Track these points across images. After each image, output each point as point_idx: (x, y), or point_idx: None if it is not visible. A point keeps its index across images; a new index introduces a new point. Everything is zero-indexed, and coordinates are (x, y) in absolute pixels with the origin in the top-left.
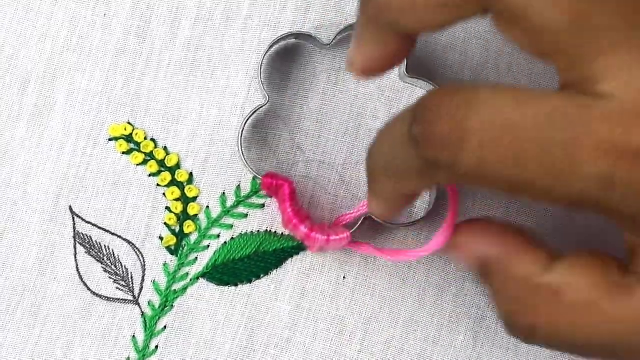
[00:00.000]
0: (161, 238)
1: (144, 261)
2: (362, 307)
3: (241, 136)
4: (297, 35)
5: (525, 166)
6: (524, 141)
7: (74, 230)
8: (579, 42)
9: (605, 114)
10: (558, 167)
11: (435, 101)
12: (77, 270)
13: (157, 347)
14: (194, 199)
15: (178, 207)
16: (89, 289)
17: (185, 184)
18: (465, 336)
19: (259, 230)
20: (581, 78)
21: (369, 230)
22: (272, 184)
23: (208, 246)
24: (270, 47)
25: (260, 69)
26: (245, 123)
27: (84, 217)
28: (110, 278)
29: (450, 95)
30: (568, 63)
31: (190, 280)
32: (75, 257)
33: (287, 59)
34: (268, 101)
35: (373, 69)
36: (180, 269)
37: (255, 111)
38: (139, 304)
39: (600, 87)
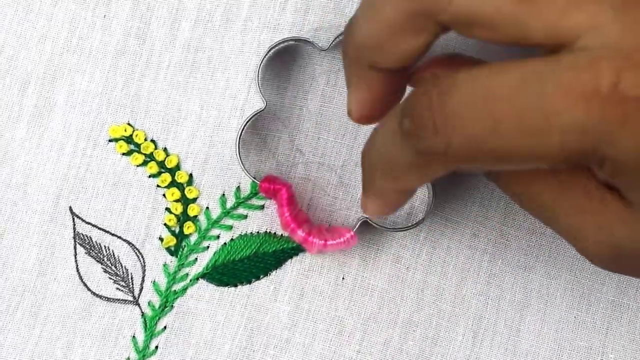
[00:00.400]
0: (161, 239)
1: (143, 262)
2: (360, 307)
3: (239, 142)
4: (295, 40)
5: (507, 132)
6: (501, 107)
7: (74, 231)
8: (538, 9)
9: (572, 63)
10: (535, 125)
11: (419, 95)
12: (77, 270)
13: (157, 347)
14: (194, 200)
15: (178, 208)
16: (89, 289)
17: (185, 185)
18: (464, 336)
19: (258, 232)
20: (552, 42)
21: (367, 233)
22: (269, 188)
23: (208, 247)
24: (268, 52)
25: (258, 74)
26: (243, 129)
27: (84, 218)
28: (110, 278)
29: (432, 85)
30: (536, 32)
31: (190, 280)
32: (75, 258)
33: (286, 60)
34: (266, 105)
35: (369, 114)
36: (180, 270)
37: (253, 116)
38: (139, 305)
39: (570, 44)
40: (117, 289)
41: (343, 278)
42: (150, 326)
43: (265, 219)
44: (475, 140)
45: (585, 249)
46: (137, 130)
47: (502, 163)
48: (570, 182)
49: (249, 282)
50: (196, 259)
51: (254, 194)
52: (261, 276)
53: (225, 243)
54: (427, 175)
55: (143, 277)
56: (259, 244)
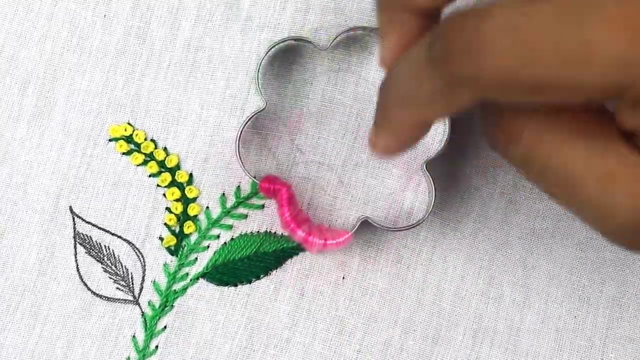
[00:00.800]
0: (161, 238)
1: (144, 261)
2: (361, 307)
3: (239, 142)
4: (295, 39)
5: (544, 60)
6: (539, 35)
7: (74, 231)
8: None
9: None
10: (574, 55)
11: (450, 21)
12: (77, 270)
13: (157, 347)
14: (194, 199)
15: (178, 208)
16: (89, 289)
17: (185, 184)
18: (464, 336)
19: (258, 231)
20: None
21: (367, 233)
22: (270, 188)
23: (208, 246)
24: (268, 51)
25: (258, 73)
26: (243, 128)
27: (84, 218)
28: (111, 278)
29: (463, 13)
30: None
31: (190, 280)
32: (76, 257)
33: (286, 60)
34: (266, 105)
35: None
36: (180, 269)
37: (253, 116)
38: (139, 304)
39: None
40: (117, 288)
41: (343, 278)
42: (150, 326)
43: (265, 219)
44: (509, 67)
45: (614, 225)
46: (137, 129)
47: (535, 94)
48: (602, 146)
49: (249, 282)
50: (196, 258)
51: (254, 193)
52: (261, 276)
53: (225, 242)
54: (453, 104)
55: (143, 277)
56: (259, 244)
